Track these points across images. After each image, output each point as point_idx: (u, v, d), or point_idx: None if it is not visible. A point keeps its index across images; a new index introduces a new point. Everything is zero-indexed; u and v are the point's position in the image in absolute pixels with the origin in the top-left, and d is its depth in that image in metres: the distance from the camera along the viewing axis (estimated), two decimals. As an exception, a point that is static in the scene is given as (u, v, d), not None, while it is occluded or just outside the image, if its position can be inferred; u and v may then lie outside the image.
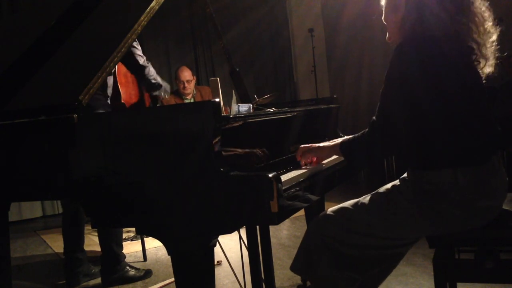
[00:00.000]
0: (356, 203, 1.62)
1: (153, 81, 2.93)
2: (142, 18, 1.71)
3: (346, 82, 7.03)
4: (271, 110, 2.13)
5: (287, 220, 2.21)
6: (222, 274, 2.99)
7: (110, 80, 2.94)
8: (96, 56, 1.68)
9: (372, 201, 1.59)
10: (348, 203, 1.64)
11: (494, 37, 1.56)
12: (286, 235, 3.90)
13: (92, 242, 3.99)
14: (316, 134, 2.17)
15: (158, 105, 3.52)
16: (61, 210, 5.57)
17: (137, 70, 2.89)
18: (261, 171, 1.35)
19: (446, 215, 1.48)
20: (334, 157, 1.82)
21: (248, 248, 2.25)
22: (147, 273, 3.11)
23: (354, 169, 1.93)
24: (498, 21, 1.57)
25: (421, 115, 1.48)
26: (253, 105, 2.27)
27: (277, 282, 2.55)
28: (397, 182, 1.62)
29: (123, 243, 3.17)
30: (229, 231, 1.32)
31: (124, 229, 3.77)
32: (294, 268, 1.66)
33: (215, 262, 2.73)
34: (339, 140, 1.67)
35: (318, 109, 2.32)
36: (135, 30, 1.69)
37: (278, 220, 1.25)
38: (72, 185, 1.47)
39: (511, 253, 1.71)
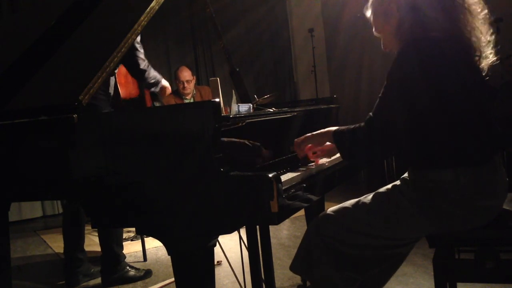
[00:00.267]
0: (356, 203, 1.62)
1: (152, 80, 2.93)
2: (142, 18, 1.71)
3: (346, 82, 7.03)
4: (271, 110, 2.13)
5: (287, 220, 2.20)
6: (222, 274, 2.99)
7: (112, 80, 2.95)
8: (96, 56, 1.68)
9: (373, 201, 1.59)
10: (348, 203, 1.64)
11: (489, 28, 1.56)
12: (286, 235, 3.90)
13: (92, 242, 3.99)
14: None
15: (157, 104, 3.53)
16: (61, 210, 5.60)
17: (137, 73, 2.89)
18: (261, 171, 1.35)
19: (446, 214, 1.48)
20: (334, 157, 1.82)
21: (248, 248, 2.25)
22: (147, 273, 3.11)
23: (351, 166, 1.92)
24: (498, 21, 1.57)
25: (422, 115, 1.48)
26: (253, 105, 2.27)
27: (277, 282, 2.55)
28: (397, 182, 1.62)
29: (123, 243, 3.17)
30: (229, 231, 1.32)
31: (124, 229, 3.77)
32: (294, 268, 1.66)
33: (215, 262, 2.73)
34: (332, 128, 1.63)
35: (318, 109, 2.32)
36: (135, 30, 1.69)
37: (278, 220, 1.25)
38: (72, 185, 1.47)
39: (511, 253, 1.71)
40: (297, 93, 7.40)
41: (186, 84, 4.45)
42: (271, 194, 1.22)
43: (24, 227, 5.17)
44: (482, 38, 1.54)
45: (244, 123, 1.57)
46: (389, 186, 1.63)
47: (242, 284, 2.35)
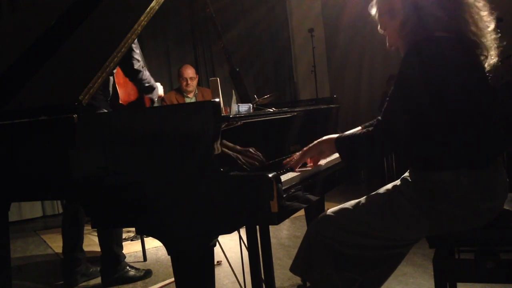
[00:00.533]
0: (356, 204, 1.62)
1: (146, 84, 2.90)
2: (142, 18, 1.71)
3: (346, 82, 7.03)
4: (271, 110, 2.12)
5: (287, 220, 2.20)
6: (222, 274, 2.99)
7: (110, 80, 2.94)
8: (96, 56, 1.68)
9: (373, 201, 1.59)
10: (348, 204, 1.64)
11: (492, 25, 1.56)
12: (286, 235, 3.90)
13: (92, 242, 3.99)
14: (316, 134, 2.17)
15: (155, 105, 3.53)
16: (61, 210, 5.60)
17: (130, 73, 2.84)
18: (261, 171, 1.34)
19: (447, 215, 1.48)
20: (334, 157, 1.82)
21: (248, 248, 2.25)
22: (147, 273, 3.11)
23: (352, 167, 1.92)
24: (498, 21, 1.57)
25: (423, 115, 1.48)
26: (253, 105, 2.27)
27: (277, 282, 2.55)
28: (397, 182, 1.62)
29: (123, 243, 3.17)
30: (229, 231, 1.32)
31: (124, 229, 3.77)
32: (294, 268, 1.66)
33: (215, 262, 2.73)
34: (334, 136, 1.62)
35: (318, 109, 2.32)
36: (135, 30, 1.69)
37: (278, 220, 1.25)
38: (72, 185, 1.47)
39: (511, 253, 1.71)
40: (297, 93, 7.41)
41: (189, 81, 4.48)
42: (271, 194, 1.22)
43: (24, 227, 5.17)
44: (488, 36, 1.54)
45: (241, 123, 1.57)
46: (389, 186, 1.63)
47: (242, 284, 2.35)
